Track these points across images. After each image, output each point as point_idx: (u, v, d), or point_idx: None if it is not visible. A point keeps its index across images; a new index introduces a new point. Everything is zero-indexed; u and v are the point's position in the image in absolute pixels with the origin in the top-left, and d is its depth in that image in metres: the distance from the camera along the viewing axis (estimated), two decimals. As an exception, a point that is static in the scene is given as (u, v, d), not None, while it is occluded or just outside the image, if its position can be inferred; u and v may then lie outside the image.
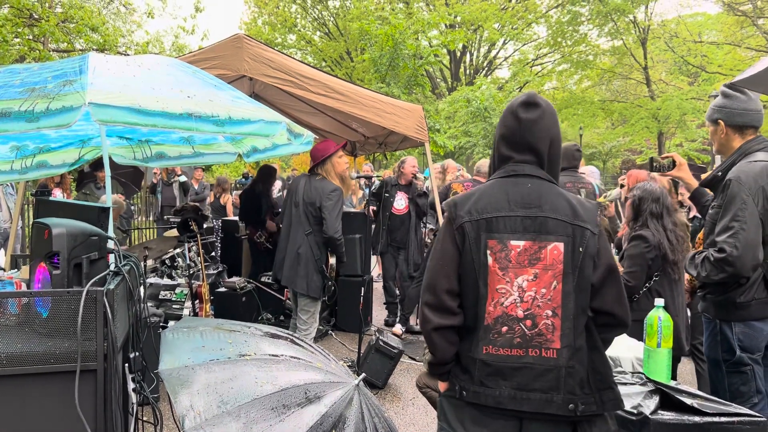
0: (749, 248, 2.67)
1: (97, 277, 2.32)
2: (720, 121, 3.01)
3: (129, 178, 7.98)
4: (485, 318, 1.93)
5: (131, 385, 2.63)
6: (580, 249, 1.91)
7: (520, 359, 1.90)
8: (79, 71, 2.61)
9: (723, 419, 2.12)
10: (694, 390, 2.37)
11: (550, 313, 1.90)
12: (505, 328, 1.91)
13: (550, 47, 28.02)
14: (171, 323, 5.65)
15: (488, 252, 1.93)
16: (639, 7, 24.23)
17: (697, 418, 2.13)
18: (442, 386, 2.08)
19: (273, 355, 2.60)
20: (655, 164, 3.53)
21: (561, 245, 1.92)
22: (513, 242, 1.93)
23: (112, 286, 2.27)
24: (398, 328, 6.73)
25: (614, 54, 26.85)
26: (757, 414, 2.19)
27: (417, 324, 6.67)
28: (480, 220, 1.96)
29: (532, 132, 1.99)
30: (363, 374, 2.76)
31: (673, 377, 3.04)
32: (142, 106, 2.48)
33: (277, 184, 11.02)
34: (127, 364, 2.60)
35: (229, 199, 10.58)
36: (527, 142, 2.00)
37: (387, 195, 6.93)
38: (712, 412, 2.15)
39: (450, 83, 29.00)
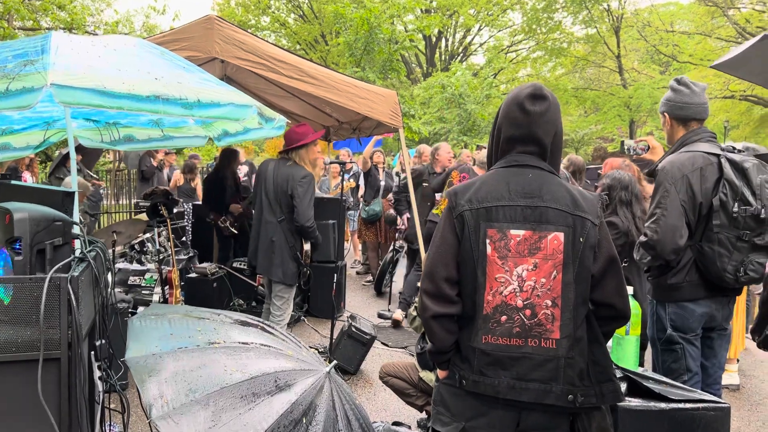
0: (668, 233, 2.85)
1: (61, 263, 2.26)
2: (665, 113, 3.17)
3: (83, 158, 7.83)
4: (484, 307, 1.93)
5: (97, 374, 2.58)
6: (581, 239, 1.92)
7: (519, 349, 1.90)
8: (41, 50, 2.51)
9: (688, 405, 2.16)
10: (661, 377, 2.41)
11: (549, 303, 1.90)
12: (504, 318, 1.91)
13: (525, 34, 28.08)
14: (140, 309, 5.58)
15: (487, 241, 1.93)
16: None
17: (663, 405, 2.16)
18: (441, 374, 2.09)
19: (243, 343, 2.57)
20: (627, 148, 3.57)
21: (561, 235, 1.92)
22: (513, 231, 1.92)
23: (76, 273, 2.21)
24: (399, 314, 6.61)
25: (588, 42, 27.03)
26: (722, 400, 2.24)
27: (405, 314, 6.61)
28: (480, 209, 1.95)
29: (538, 124, 1.98)
30: (334, 361, 2.76)
31: (640, 363, 3.11)
32: (107, 88, 2.41)
33: (243, 169, 10.88)
34: (93, 352, 2.55)
35: (199, 182, 10.40)
36: (533, 135, 1.99)
37: (427, 185, 6.68)
38: (677, 398, 2.18)
39: (425, 69, 28.91)
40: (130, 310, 4.98)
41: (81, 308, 2.23)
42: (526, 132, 1.99)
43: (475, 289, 1.94)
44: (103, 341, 2.60)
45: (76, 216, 2.60)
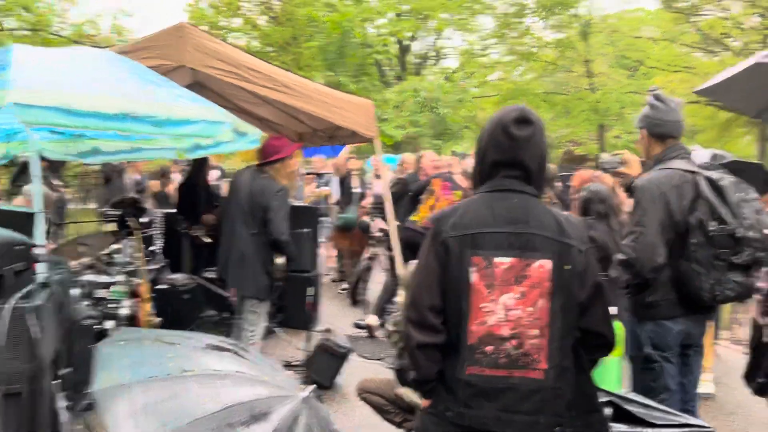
0: (647, 251, 2.85)
1: (23, 291, 2.15)
2: (643, 129, 3.18)
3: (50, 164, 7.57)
4: (469, 337, 1.87)
5: (61, 403, 2.46)
6: (567, 267, 1.87)
7: (506, 380, 1.85)
8: (0, 67, 2.39)
9: (673, 431, 2.13)
10: (644, 399, 2.38)
11: (536, 332, 1.85)
12: (490, 348, 1.86)
13: (496, 38, 28.23)
14: (108, 323, 5.40)
15: (473, 269, 1.87)
16: (582, 1, 24.72)
17: (648, 430, 2.13)
18: (424, 403, 2.04)
19: (216, 370, 2.47)
20: (603, 162, 3.58)
21: (548, 262, 1.87)
22: (498, 259, 1.87)
23: (39, 302, 2.11)
24: (372, 319, 6.55)
25: (557, 47, 27.31)
26: (706, 424, 2.23)
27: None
28: (464, 236, 1.89)
29: (524, 150, 1.93)
30: (313, 386, 2.67)
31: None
32: (72, 106, 2.29)
33: (214, 173, 10.68)
34: (57, 381, 2.43)
35: (174, 187, 10.17)
36: (518, 159, 1.93)
37: (412, 194, 6.62)
38: (662, 423, 2.16)
39: (398, 72, 28.89)
40: (97, 325, 4.82)
41: (44, 338, 2.12)
42: (511, 157, 1.94)
43: (459, 318, 1.89)
44: (69, 369, 2.48)
45: (40, 238, 2.47)
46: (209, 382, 2.39)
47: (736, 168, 3.09)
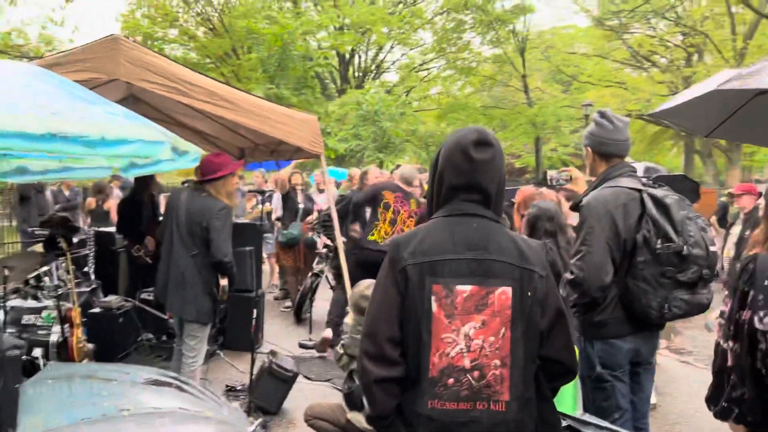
0: (594, 271, 2.84)
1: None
2: (588, 147, 3.17)
3: None
4: (429, 369, 1.78)
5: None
6: (528, 293, 1.82)
7: (467, 413, 1.77)
8: None
9: (629, 455, 2.11)
10: (602, 421, 2.36)
11: (498, 362, 1.79)
12: (451, 381, 1.78)
13: (436, 53, 28.65)
14: (36, 351, 5.07)
15: (433, 298, 1.78)
16: (519, 17, 25.40)
17: (605, 455, 2.11)
18: None
19: (156, 408, 2.31)
20: (549, 178, 3.58)
21: (509, 290, 1.80)
22: (459, 287, 1.79)
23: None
24: (328, 332, 6.40)
25: (495, 62, 27.93)
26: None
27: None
28: (424, 263, 1.80)
29: (483, 173, 1.87)
30: (259, 420, 2.54)
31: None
32: (-7, 126, 2.11)
33: None
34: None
35: (113, 205, 9.71)
36: (477, 183, 1.87)
37: (355, 206, 6.47)
38: (619, 447, 2.14)
39: (339, 85, 28.89)
40: (24, 355, 4.51)
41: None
42: (470, 180, 1.88)
43: (419, 349, 1.80)
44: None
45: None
46: (148, 422, 2.22)
47: (662, 181, 3.13)
